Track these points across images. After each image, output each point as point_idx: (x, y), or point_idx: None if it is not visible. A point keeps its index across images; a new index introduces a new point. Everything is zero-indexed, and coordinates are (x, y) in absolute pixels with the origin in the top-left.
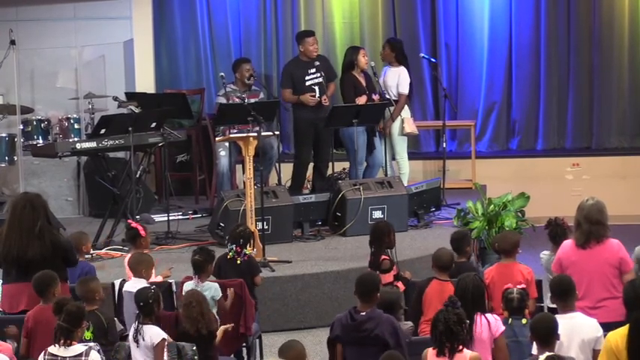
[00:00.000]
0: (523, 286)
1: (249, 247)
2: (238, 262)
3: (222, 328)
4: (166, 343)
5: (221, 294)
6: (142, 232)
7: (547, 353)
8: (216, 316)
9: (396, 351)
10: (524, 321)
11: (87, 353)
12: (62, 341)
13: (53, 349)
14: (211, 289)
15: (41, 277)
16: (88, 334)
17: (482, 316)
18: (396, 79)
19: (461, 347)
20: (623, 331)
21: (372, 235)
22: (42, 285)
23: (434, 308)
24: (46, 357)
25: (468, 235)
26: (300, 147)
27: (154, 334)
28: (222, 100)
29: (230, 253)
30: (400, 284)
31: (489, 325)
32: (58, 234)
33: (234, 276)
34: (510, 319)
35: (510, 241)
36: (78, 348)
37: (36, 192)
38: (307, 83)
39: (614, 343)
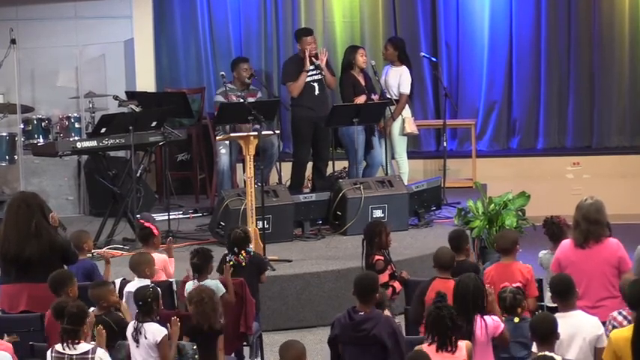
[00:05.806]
0: (519, 285)
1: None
2: (243, 264)
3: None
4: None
5: (224, 290)
6: (155, 232)
7: (537, 352)
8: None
9: (423, 350)
10: (516, 320)
11: (93, 351)
12: (70, 341)
13: (59, 346)
14: (212, 286)
15: (56, 276)
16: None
17: (481, 318)
18: (398, 79)
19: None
20: (626, 332)
21: (364, 235)
22: (58, 284)
23: None
24: (53, 354)
25: (465, 233)
26: (298, 146)
27: (155, 331)
28: (221, 99)
29: (231, 263)
30: (397, 284)
31: (487, 326)
32: (55, 233)
33: (242, 275)
34: (504, 318)
35: (509, 239)
36: (84, 346)
37: (32, 191)
38: (307, 80)
39: (616, 344)
